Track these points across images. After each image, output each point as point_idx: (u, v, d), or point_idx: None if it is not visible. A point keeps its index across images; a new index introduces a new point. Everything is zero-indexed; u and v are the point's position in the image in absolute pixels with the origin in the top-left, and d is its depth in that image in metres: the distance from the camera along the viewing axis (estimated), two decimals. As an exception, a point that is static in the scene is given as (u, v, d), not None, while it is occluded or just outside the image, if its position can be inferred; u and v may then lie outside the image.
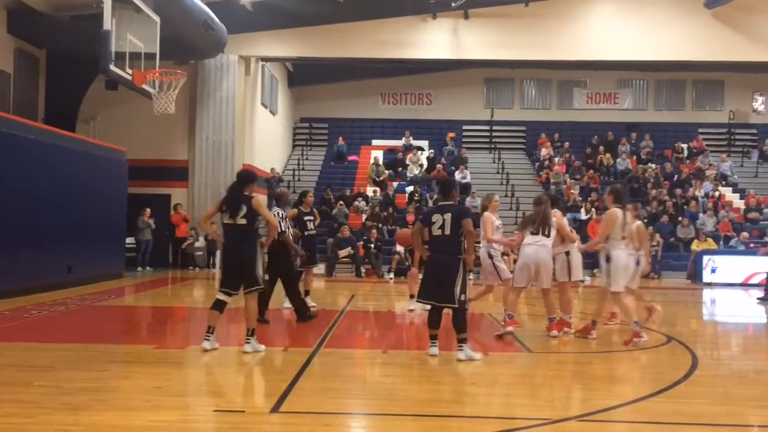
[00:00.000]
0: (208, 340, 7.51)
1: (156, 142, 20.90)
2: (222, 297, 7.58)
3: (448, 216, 7.31)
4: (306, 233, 11.13)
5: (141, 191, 19.52)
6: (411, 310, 11.38)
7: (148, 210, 19.37)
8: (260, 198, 7.89)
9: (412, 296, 11.54)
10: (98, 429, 4.79)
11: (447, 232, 7.29)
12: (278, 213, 9.83)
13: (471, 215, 7.53)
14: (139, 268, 18.90)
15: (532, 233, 8.75)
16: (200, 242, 20.58)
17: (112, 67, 13.45)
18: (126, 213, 17.31)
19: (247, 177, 7.78)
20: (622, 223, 8.58)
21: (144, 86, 14.69)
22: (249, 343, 7.49)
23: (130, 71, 14.15)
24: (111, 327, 10.13)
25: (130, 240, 18.72)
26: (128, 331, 10.02)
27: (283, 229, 9.75)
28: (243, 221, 7.44)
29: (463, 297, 7.32)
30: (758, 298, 14.64)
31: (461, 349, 7.31)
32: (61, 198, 13.86)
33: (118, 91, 15.51)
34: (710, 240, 20.55)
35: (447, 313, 7.57)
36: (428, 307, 11.20)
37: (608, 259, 8.59)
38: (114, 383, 6.19)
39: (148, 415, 5.07)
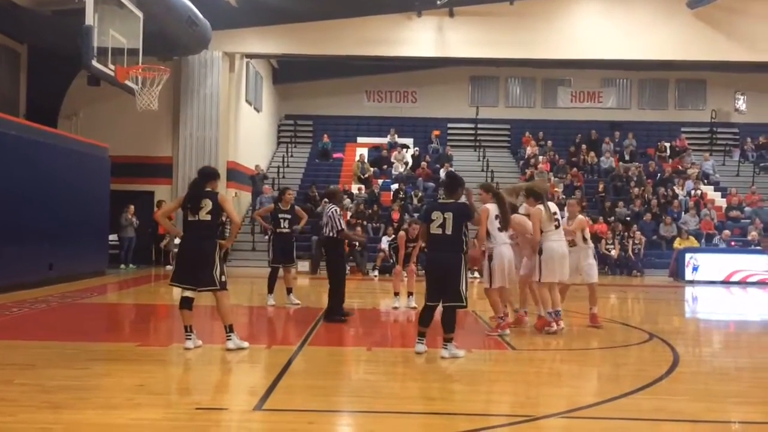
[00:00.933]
0: (190, 339, 7.46)
1: (139, 139, 20.75)
2: (186, 294, 7.51)
3: (449, 215, 7.16)
4: (278, 230, 11.11)
5: (124, 188, 19.38)
6: (395, 308, 11.38)
7: (132, 207, 19.23)
8: (226, 195, 7.82)
9: (396, 294, 11.55)
10: (79, 427, 4.75)
11: (448, 231, 7.14)
12: (335, 210, 9.83)
13: (473, 216, 7.40)
14: (122, 266, 18.76)
15: (500, 229, 8.51)
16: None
17: (95, 63, 13.34)
18: (109, 210, 17.18)
19: (209, 173, 7.76)
20: (549, 216, 8.83)
21: (127, 82, 14.59)
22: (230, 339, 7.45)
23: (112, 67, 14.04)
24: (93, 324, 10.05)
25: (113, 237, 18.58)
26: (110, 329, 9.95)
27: (342, 227, 9.79)
28: (207, 217, 7.40)
29: (466, 294, 7.27)
30: None
31: (445, 348, 7.29)
32: (42, 194, 13.72)
33: (101, 87, 15.38)
34: (692, 238, 20.73)
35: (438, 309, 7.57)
36: (413, 304, 11.30)
37: (540, 252, 8.82)
38: (95, 381, 6.14)
39: (130, 414, 5.04)
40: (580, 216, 9.70)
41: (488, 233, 8.50)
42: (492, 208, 8.51)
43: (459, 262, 7.18)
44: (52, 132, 15.60)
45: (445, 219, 7.16)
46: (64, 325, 9.59)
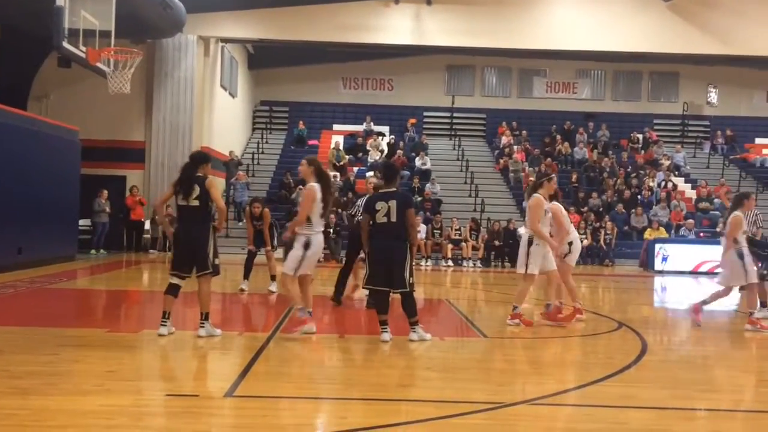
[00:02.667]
0: (165, 325, 7.40)
1: (111, 123, 20.46)
2: (175, 281, 7.48)
3: (393, 203, 7.32)
4: (255, 231, 11.83)
5: (95, 172, 19.13)
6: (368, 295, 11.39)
7: (106, 192, 18.99)
8: (214, 180, 7.72)
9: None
10: (48, 413, 4.69)
11: (393, 219, 7.30)
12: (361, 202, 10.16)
13: (414, 205, 7.61)
14: (93, 251, 18.54)
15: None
16: (146, 225, 20.23)
17: (66, 44, 13.07)
18: (79, 194, 16.95)
19: (201, 158, 7.71)
20: None
21: (98, 64, 14.33)
22: (203, 327, 7.41)
23: (84, 49, 13.78)
24: (62, 310, 9.93)
25: (83, 222, 18.35)
26: (80, 315, 9.84)
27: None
28: (196, 202, 7.33)
29: (411, 280, 7.40)
30: None
31: (414, 331, 7.45)
32: (11, 178, 13.49)
33: (72, 69, 15.11)
34: (662, 229, 21.03)
35: (395, 298, 7.63)
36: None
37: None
38: (64, 367, 6.07)
39: (99, 400, 4.99)
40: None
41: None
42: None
43: (405, 250, 7.35)
44: (22, 114, 15.32)
45: (389, 208, 7.30)
46: (32, 310, 9.46)
